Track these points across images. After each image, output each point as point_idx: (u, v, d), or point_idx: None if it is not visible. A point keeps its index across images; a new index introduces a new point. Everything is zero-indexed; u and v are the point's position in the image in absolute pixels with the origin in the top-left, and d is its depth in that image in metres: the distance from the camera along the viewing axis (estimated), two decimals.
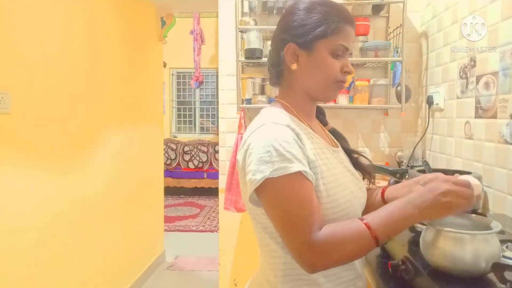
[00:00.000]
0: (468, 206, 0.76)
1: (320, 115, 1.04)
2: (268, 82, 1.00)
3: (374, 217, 0.76)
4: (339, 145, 1.00)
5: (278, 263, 0.85)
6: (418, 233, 1.04)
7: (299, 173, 0.76)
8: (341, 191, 0.84)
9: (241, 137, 2.07)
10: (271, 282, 0.87)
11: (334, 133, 1.04)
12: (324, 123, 1.04)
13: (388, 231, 0.75)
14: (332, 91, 0.90)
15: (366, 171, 1.00)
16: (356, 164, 1.00)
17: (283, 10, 2.10)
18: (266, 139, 0.79)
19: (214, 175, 6.06)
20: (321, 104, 1.05)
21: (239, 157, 0.85)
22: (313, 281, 0.83)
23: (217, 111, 2.67)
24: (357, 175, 0.96)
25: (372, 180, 1.01)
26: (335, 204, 0.82)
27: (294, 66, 0.88)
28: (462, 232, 0.79)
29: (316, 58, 0.86)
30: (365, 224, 0.74)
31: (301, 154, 0.79)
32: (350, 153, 1.02)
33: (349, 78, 2.08)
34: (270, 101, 2.05)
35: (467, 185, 0.77)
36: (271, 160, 0.76)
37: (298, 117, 0.90)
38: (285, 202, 0.76)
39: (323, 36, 0.84)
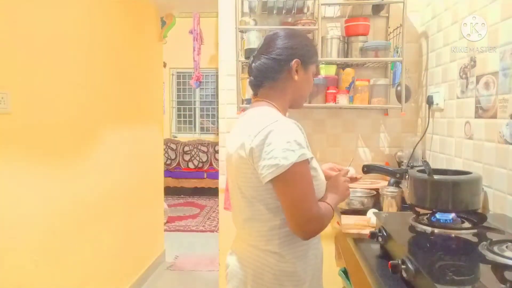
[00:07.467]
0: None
1: None
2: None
3: (328, 201, 1.08)
4: None
5: (276, 233, 1.05)
6: (418, 233, 1.04)
7: (308, 159, 1.00)
8: (322, 176, 1.11)
9: None
10: (271, 250, 1.05)
11: None
12: None
13: (333, 210, 1.09)
14: (304, 102, 1.21)
15: None
16: None
17: (283, 11, 2.12)
18: (286, 132, 0.99)
19: (214, 175, 6.05)
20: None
21: (253, 144, 0.99)
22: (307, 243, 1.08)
23: (217, 111, 2.67)
24: None
25: None
26: (318, 188, 1.05)
27: (296, 77, 1.10)
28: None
29: (308, 76, 1.15)
30: (330, 204, 1.08)
31: (306, 144, 1.03)
32: None
33: (349, 78, 2.08)
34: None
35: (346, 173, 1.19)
36: (292, 149, 0.96)
37: None
38: (302, 182, 0.99)
39: (315, 62, 1.16)
